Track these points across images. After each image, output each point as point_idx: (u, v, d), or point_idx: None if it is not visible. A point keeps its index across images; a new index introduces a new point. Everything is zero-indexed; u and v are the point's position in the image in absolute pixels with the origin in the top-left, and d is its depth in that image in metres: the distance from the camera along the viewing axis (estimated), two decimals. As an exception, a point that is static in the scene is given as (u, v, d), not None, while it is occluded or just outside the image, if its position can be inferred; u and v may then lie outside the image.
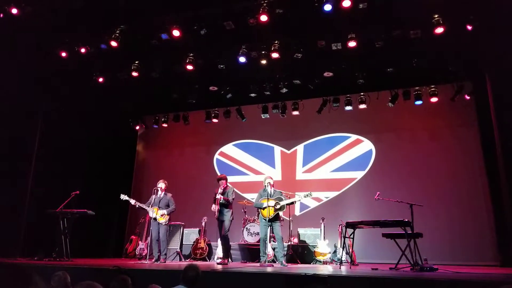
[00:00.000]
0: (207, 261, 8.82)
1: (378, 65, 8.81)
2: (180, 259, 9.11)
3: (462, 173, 8.93)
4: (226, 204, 7.49)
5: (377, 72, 9.03)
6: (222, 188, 7.62)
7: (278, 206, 7.12)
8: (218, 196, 7.47)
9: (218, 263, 7.59)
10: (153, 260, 7.67)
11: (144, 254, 8.93)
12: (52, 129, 9.07)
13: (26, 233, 8.30)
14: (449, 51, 8.11)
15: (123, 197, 8.03)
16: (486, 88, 8.17)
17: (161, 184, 7.95)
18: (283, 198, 7.26)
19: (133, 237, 9.83)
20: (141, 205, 7.91)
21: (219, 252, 8.80)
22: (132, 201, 7.98)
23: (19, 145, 8.51)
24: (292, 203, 7.68)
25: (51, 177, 8.86)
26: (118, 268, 5.14)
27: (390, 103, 9.45)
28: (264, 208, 7.18)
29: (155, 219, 7.71)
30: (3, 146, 8.18)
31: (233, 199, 7.64)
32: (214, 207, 7.50)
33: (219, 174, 10.70)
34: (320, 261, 8.14)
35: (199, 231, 9.31)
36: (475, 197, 8.68)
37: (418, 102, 9.26)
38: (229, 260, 7.80)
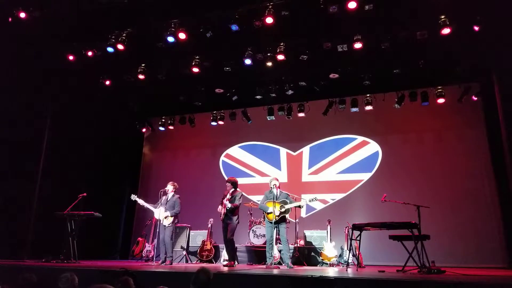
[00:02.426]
0: (213, 263, 8.83)
1: (384, 66, 8.78)
2: (187, 261, 9.13)
3: (470, 174, 8.87)
4: (233, 209, 7.49)
5: (383, 73, 9.01)
6: (230, 192, 7.62)
7: (283, 210, 7.11)
8: (226, 202, 7.46)
9: (224, 265, 7.60)
10: (159, 262, 7.71)
11: (150, 256, 8.97)
12: (60, 132, 9.14)
13: (34, 235, 8.35)
14: (456, 52, 8.06)
15: (133, 197, 8.24)
16: (493, 89, 8.11)
17: (168, 186, 7.99)
18: (288, 201, 7.24)
19: (139, 239, 9.87)
20: (148, 206, 8.00)
21: (225, 254, 8.80)
22: (140, 201, 8.11)
23: (27, 147, 8.58)
24: (299, 206, 7.66)
25: (58, 180, 8.92)
26: (125, 270, 5.17)
27: (396, 105, 9.41)
28: (269, 213, 7.19)
29: (160, 220, 7.78)
30: (11, 148, 8.25)
31: (240, 204, 7.62)
32: (220, 209, 7.51)
33: (225, 176, 10.78)
34: (326, 263, 8.12)
35: (206, 233, 9.31)
36: (483, 198, 8.62)
37: (425, 103, 9.21)
38: (236, 262, 7.78)
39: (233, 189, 7.67)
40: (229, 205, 7.40)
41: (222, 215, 7.50)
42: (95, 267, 6.28)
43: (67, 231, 7.48)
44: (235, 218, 7.51)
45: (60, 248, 7.45)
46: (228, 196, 7.56)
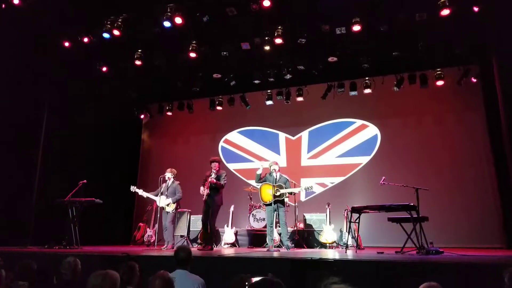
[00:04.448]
0: (214, 246, 8.90)
1: (383, 49, 8.72)
2: (188, 246, 9.21)
3: (468, 156, 8.90)
4: (217, 188, 7.37)
5: (382, 56, 8.95)
6: (215, 171, 7.51)
7: (278, 194, 7.15)
8: (211, 179, 7.34)
9: (199, 249, 7.52)
10: (163, 247, 7.79)
11: (152, 241, 9.05)
12: (58, 119, 9.12)
13: (36, 222, 8.41)
14: (455, 34, 8.00)
15: (133, 188, 8.16)
16: (492, 70, 8.08)
17: (167, 173, 7.99)
18: (284, 186, 7.28)
19: (141, 224, 9.94)
20: (149, 195, 8.01)
21: (226, 238, 8.90)
22: (140, 192, 8.07)
23: (26, 135, 8.57)
24: (291, 193, 7.65)
25: (58, 167, 8.93)
26: (127, 255, 5.23)
27: (395, 88, 9.38)
28: (260, 182, 7.34)
29: (163, 207, 7.81)
30: (10, 136, 8.24)
31: (225, 183, 7.52)
32: (203, 190, 7.40)
33: (224, 161, 10.80)
34: (326, 246, 8.20)
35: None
36: (481, 180, 8.66)
37: (424, 86, 9.18)
38: (214, 246, 7.65)
39: (218, 169, 7.57)
40: (213, 180, 7.30)
41: (204, 196, 7.37)
42: (97, 252, 6.34)
43: (69, 218, 7.53)
44: (218, 198, 7.41)
45: (62, 234, 7.51)
46: (213, 175, 7.42)
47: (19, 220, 8.16)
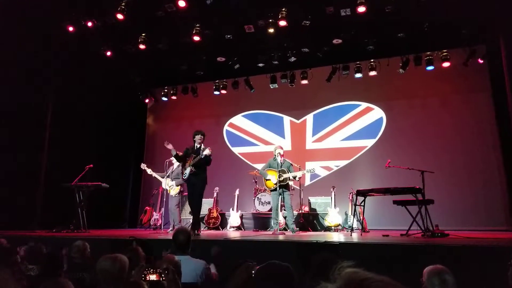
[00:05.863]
0: (220, 230, 9.00)
1: (388, 30, 8.58)
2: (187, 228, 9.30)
3: (474, 138, 8.84)
4: (204, 166, 6.83)
5: (387, 37, 8.81)
6: (200, 144, 7.00)
7: (281, 179, 7.18)
8: (206, 152, 6.67)
9: (196, 234, 6.64)
10: (168, 230, 7.89)
11: (158, 224, 9.15)
12: (64, 103, 9.14)
13: (43, 207, 8.51)
14: (461, 13, 7.84)
15: (143, 166, 8.47)
16: (499, 51, 7.96)
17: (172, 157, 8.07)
18: (287, 171, 7.30)
19: (147, 208, 10.03)
20: (156, 175, 8.14)
21: (232, 221, 8.98)
22: (149, 171, 8.28)
23: (32, 120, 8.59)
24: (294, 178, 7.65)
25: (64, 151, 8.98)
26: (134, 238, 5.29)
27: (401, 70, 9.27)
28: (267, 180, 7.38)
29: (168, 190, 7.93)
30: (17, 120, 8.27)
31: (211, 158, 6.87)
32: (190, 168, 6.85)
33: (229, 145, 10.82)
34: (331, 229, 8.25)
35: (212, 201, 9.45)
36: (487, 162, 8.62)
37: (430, 68, 9.07)
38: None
39: (202, 141, 7.00)
40: (207, 152, 6.67)
41: (187, 174, 6.86)
42: (105, 236, 6.43)
43: (76, 202, 7.61)
44: (205, 177, 6.85)
45: (70, 218, 7.60)
46: (198, 145, 6.90)
47: (26, 204, 8.24)
